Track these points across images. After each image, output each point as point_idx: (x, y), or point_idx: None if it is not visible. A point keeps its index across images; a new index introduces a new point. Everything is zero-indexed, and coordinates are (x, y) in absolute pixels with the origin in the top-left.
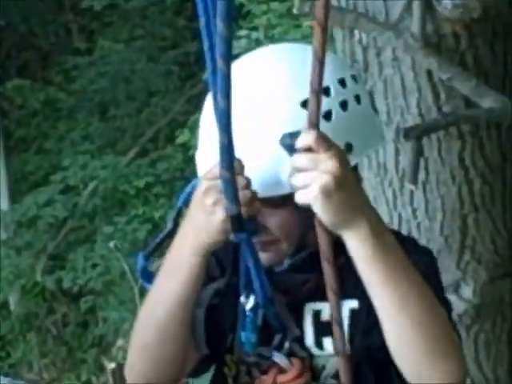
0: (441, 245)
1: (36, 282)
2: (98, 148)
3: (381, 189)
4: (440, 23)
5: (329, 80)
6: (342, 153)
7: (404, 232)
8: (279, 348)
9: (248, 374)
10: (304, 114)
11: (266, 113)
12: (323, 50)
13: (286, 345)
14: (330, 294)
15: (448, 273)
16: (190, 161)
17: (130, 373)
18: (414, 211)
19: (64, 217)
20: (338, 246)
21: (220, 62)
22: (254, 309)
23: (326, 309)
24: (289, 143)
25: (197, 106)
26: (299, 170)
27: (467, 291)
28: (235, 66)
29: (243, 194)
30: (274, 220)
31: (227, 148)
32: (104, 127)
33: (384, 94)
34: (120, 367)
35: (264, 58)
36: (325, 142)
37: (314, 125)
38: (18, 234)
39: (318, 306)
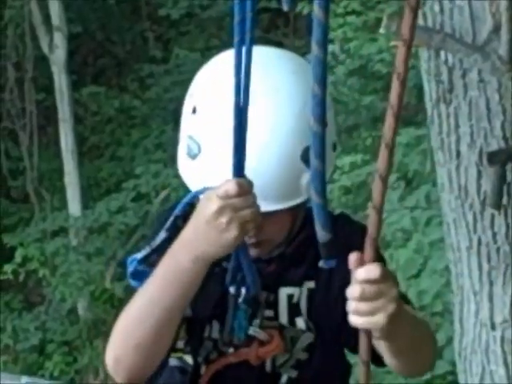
0: None
1: (105, 288)
2: (171, 156)
3: (461, 211)
4: None
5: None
6: (396, 278)
7: (483, 257)
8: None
9: (215, 348)
10: None
11: (284, 130)
12: (406, 70)
13: (257, 321)
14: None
15: None
16: None
17: (116, 367)
18: (494, 235)
19: (135, 224)
20: (302, 225)
21: (315, 87)
22: (246, 300)
23: (296, 293)
24: (307, 158)
25: None
26: (365, 299)
27: None
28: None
29: (253, 211)
30: (271, 223)
31: (321, 174)
32: (177, 136)
33: (468, 116)
34: None
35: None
36: (387, 272)
37: (373, 240)
38: (88, 241)
39: (290, 290)
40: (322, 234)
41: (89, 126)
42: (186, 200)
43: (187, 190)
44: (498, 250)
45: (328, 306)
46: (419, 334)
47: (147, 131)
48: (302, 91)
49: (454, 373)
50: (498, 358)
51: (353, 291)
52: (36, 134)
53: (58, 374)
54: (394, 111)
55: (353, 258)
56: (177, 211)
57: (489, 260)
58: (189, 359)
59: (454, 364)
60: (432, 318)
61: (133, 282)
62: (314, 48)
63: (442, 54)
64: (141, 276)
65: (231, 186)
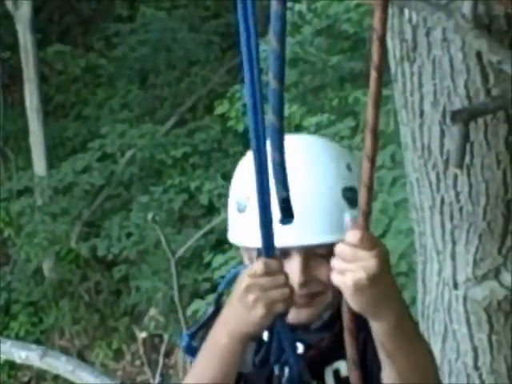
0: (483, 230)
1: (70, 248)
2: (137, 116)
3: (424, 171)
4: (491, 4)
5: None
6: (385, 254)
7: (446, 216)
8: None
9: None
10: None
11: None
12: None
13: None
14: (350, 363)
15: (489, 258)
16: (227, 132)
17: None
18: (457, 195)
19: (100, 184)
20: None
21: (274, 43)
22: (290, 381)
23: (342, 366)
24: (348, 196)
25: (236, 77)
26: (340, 258)
27: (508, 277)
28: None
29: (282, 292)
30: (326, 270)
31: (278, 131)
32: (143, 95)
33: (432, 74)
34: (151, 337)
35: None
36: (369, 241)
37: (365, 214)
38: (53, 201)
39: (336, 365)
40: (280, 191)
41: (54, 86)
42: (227, 278)
43: (153, 150)
44: (460, 209)
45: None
46: (409, 334)
47: (113, 90)
48: (338, 172)
49: None
50: (460, 316)
51: (335, 248)
52: (0, 93)
53: (23, 335)
54: (376, 75)
55: (348, 221)
56: (220, 288)
57: (452, 219)
58: None
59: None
60: (397, 277)
61: (187, 357)
62: (273, 3)
63: (406, 12)
64: (193, 351)
65: (258, 266)
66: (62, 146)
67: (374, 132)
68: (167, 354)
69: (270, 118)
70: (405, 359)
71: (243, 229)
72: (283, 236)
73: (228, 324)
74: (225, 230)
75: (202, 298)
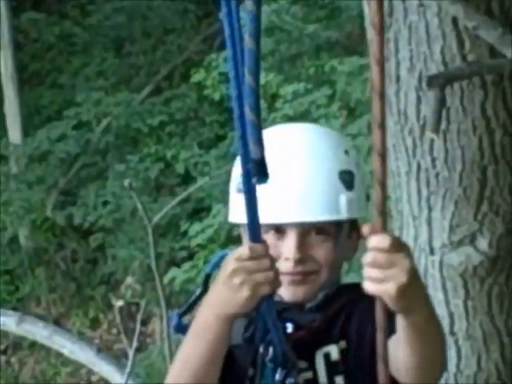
0: (459, 196)
1: (46, 217)
2: (113, 84)
3: (401, 136)
4: None
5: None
6: (411, 251)
7: (423, 182)
8: (282, 383)
9: None
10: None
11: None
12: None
13: (289, 380)
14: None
15: (465, 224)
16: (204, 100)
17: None
18: (433, 160)
19: (76, 153)
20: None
21: (250, 4)
22: (273, 359)
23: (333, 350)
24: (345, 179)
25: (212, 45)
26: (376, 266)
27: (483, 243)
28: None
29: (267, 275)
30: (321, 249)
31: (255, 91)
32: (119, 63)
33: (408, 40)
34: (127, 305)
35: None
36: (397, 242)
37: (382, 214)
38: (29, 169)
39: (327, 348)
40: (254, 150)
41: (29, 53)
42: (214, 260)
43: (129, 119)
44: (436, 175)
45: (362, 367)
46: (434, 321)
47: (88, 59)
48: (335, 156)
49: None
50: (436, 282)
51: (366, 257)
52: None
53: None
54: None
55: (365, 228)
56: (207, 270)
57: (428, 185)
58: None
59: None
60: None
61: (178, 335)
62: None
63: None
64: (183, 329)
65: (244, 250)
66: (37, 114)
67: (382, 127)
68: (144, 323)
69: (246, 78)
70: (421, 338)
71: (241, 207)
72: (280, 213)
73: (214, 305)
74: (201, 198)
75: (179, 266)
